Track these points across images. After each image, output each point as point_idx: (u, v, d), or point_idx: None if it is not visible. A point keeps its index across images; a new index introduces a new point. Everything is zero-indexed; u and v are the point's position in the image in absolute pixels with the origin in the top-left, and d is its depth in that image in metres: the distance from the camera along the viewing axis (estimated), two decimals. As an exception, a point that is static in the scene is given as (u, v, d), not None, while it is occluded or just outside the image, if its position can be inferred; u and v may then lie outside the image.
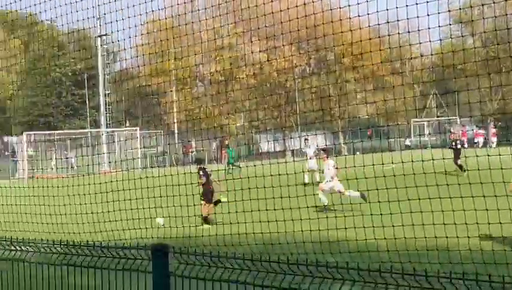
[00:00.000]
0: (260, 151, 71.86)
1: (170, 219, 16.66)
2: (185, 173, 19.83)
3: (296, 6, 18.46)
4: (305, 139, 43.44)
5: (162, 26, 35.55)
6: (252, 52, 62.64)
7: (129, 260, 5.67)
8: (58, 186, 21.47)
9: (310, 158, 39.08)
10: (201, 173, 24.27)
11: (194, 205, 16.87)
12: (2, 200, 20.25)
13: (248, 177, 18.49)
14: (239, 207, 16.06)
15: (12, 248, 6.51)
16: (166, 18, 32.62)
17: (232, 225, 15.59)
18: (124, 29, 20.94)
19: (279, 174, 17.17)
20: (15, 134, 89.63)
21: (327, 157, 27.35)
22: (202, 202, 22.93)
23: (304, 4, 16.67)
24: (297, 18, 17.54)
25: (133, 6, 20.06)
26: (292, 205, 15.58)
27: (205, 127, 60.67)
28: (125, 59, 62.60)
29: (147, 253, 5.57)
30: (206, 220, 22.21)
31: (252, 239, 14.63)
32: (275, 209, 15.83)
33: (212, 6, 29.55)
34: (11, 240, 6.54)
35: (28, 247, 6.40)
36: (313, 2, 16.40)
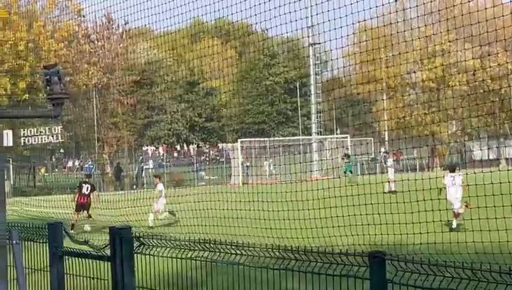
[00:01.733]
0: (473, 159, 69.99)
1: (384, 226, 16.59)
2: (395, 181, 19.74)
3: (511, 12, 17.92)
4: (386, 152, 44.52)
5: (373, 35, 35.53)
6: (466, 60, 61.21)
7: (345, 266, 5.72)
8: (271, 192, 21.98)
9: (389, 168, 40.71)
10: (83, 185, 30.75)
11: (412, 212, 16.70)
12: (219, 205, 20.95)
13: (468, 185, 18.22)
14: (449, 215, 15.75)
15: (232, 251, 6.74)
16: (378, 27, 32.50)
17: (444, 233, 15.32)
18: (336, 39, 21.19)
19: (492, 183, 16.76)
20: (229, 141, 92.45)
21: (159, 180, 31.64)
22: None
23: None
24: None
25: (346, 16, 20.19)
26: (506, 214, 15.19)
27: (416, 134, 59.92)
28: (337, 68, 62.83)
29: (363, 259, 5.59)
30: (73, 226, 27.18)
31: (469, 248, 14.33)
32: (487, 218, 15.45)
33: (424, 15, 29.18)
34: (231, 243, 6.77)
35: (246, 251, 6.60)
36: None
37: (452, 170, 26.10)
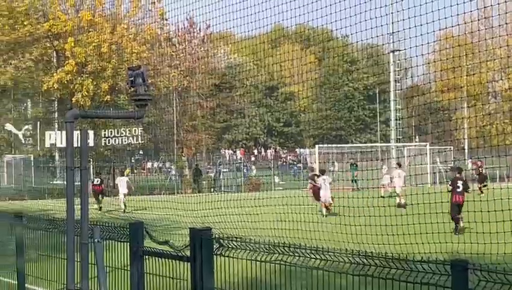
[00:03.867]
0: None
1: (466, 234, 16.35)
2: (473, 190, 19.45)
3: None
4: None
5: (455, 43, 35.11)
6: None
7: (426, 274, 5.66)
8: (351, 198, 21.90)
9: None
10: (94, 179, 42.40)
11: (489, 221, 16.44)
12: (297, 210, 20.97)
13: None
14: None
15: (312, 256, 6.74)
16: (458, 35, 32.09)
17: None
18: (416, 46, 20.98)
19: None
20: (307, 146, 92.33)
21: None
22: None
23: None
24: None
25: (426, 23, 19.99)
26: None
27: (496, 144, 58.96)
28: (417, 75, 62.23)
29: (444, 268, 5.53)
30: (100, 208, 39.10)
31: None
32: None
33: (506, 24, 28.66)
34: (310, 248, 6.78)
35: (325, 255, 6.59)
36: None
37: (323, 173, 36.01)
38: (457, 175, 27.43)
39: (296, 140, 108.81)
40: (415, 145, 72.78)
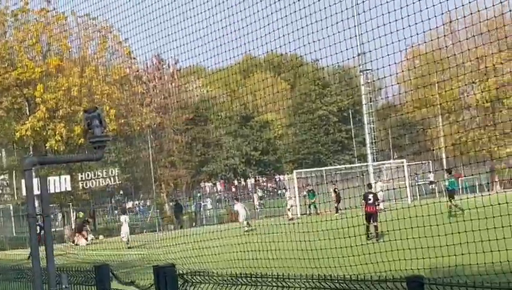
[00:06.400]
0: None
1: (423, 250, 16.33)
2: (439, 202, 19.44)
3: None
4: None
5: (425, 59, 35.36)
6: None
7: (385, 293, 5.67)
8: (311, 222, 21.91)
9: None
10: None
11: (445, 234, 16.44)
12: (270, 238, 20.94)
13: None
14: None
15: (274, 284, 6.73)
16: (426, 52, 32.32)
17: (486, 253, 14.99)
18: (389, 65, 21.06)
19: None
20: (287, 172, 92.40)
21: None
22: None
23: None
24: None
25: (392, 43, 20.06)
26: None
27: (473, 154, 59.30)
28: (393, 95, 62.59)
29: (401, 285, 5.55)
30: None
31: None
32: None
33: (473, 36, 28.90)
34: (271, 276, 6.77)
35: (286, 282, 6.59)
36: None
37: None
38: (369, 190, 33.95)
39: (275, 167, 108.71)
40: (393, 163, 73.01)
